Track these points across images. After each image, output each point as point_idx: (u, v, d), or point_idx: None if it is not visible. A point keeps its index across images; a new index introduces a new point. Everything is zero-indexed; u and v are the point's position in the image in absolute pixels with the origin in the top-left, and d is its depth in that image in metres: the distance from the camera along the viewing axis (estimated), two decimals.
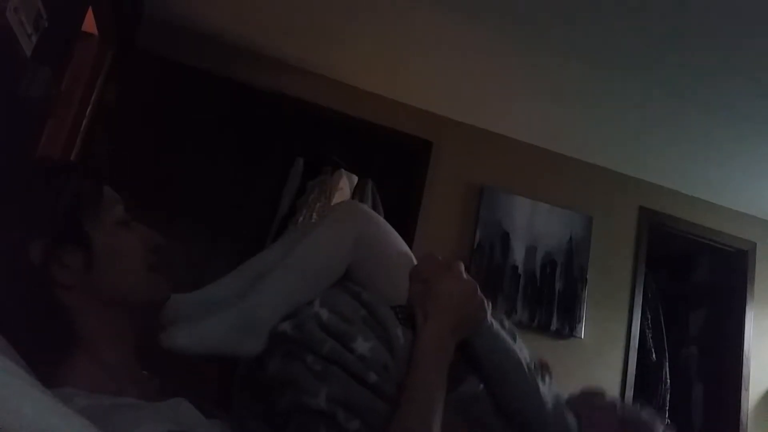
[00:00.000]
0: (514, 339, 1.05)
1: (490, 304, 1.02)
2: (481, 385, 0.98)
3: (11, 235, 0.85)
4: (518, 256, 3.46)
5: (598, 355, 3.51)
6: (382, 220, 1.08)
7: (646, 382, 3.73)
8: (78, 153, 2.62)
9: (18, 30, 1.67)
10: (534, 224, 3.52)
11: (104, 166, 2.84)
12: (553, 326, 3.42)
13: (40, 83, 1.85)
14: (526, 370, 0.99)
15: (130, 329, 0.93)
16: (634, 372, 3.56)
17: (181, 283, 1.19)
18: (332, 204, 3.06)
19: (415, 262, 1.06)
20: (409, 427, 0.86)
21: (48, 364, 0.79)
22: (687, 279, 4.34)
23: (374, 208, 3.23)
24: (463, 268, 1.04)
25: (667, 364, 3.90)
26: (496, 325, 1.02)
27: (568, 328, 3.44)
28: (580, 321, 3.46)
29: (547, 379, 1.05)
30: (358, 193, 3.29)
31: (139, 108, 2.97)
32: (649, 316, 3.87)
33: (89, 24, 2.45)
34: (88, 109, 2.63)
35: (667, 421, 3.79)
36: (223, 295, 0.99)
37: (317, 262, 0.98)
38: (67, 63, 2.23)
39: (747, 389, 3.73)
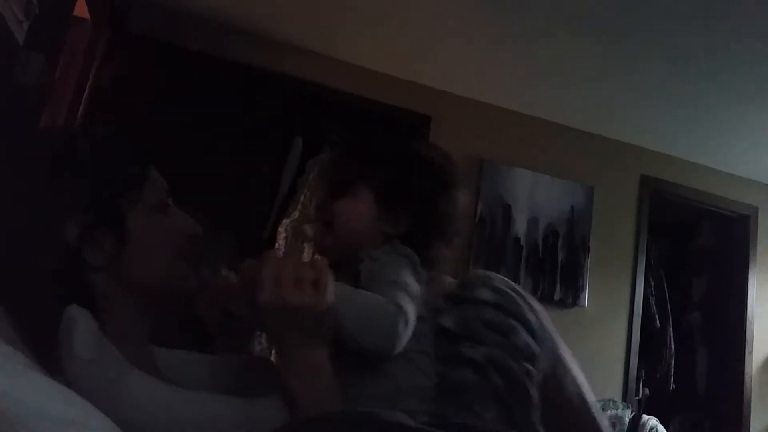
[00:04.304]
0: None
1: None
2: None
3: (48, 209, 0.81)
4: (520, 227, 3.47)
5: (601, 323, 3.52)
6: None
7: (650, 349, 3.76)
8: None
9: (9, 18, 1.66)
10: (535, 196, 3.52)
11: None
12: (557, 296, 3.43)
13: (34, 70, 1.83)
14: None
15: (149, 316, 0.90)
16: (638, 339, 3.58)
17: None
18: None
19: None
20: None
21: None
22: (689, 245, 4.34)
23: None
24: (268, 258, 0.84)
25: (671, 330, 3.92)
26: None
27: (571, 298, 3.46)
28: (583, 290, 3.48)
29: None
30: None
31: (134, 92, 2.95)
32: (652, 283, 3.89)
33: (81, 9, 2.43)
34: (84, 95, 2.62)
35: (673, 386, 3.83)
36: None
37: None
38: (60, 49, 2.21)
39: (750, 353, 3.75)
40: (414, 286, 0.92)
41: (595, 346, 3.46)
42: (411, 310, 0.87)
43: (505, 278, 1.05)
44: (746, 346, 3.75)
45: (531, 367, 0.96)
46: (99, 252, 0.83)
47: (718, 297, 4.04)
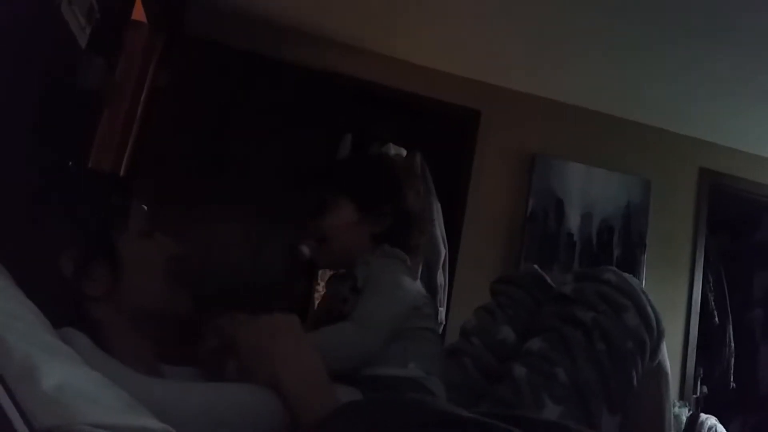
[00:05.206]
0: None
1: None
2: None
3: (43, 245, 0.86)
4: (573, 223, 3.41)
5: None
6: None
7: (709, 347, 3.65)
8: (135, 140, 2.69)
9: (72, 23, 1.72)
10: (589, 190, 3.45)
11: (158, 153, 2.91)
12: None
13: (96, 73, 1.90)
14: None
15: (152, 338, 0.94)
16: (696, 336, 3.48)
17: (237, 266, 1.21)
18: None
19: None
20: None
21: None
22: (751, 240, 4.19)
23: (424, 180, 3.23)
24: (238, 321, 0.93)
25: (731, 327, 3.80)
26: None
27: None
28: None
29: None
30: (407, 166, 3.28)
31: (190, 92, 3.02)
32: (711, 279, 3.77)
33: (138, 13, 2.50)
34: (142, 97, 2.69)
35: (733, 385, 3.71)
36: None
37: None
38: (119, 52, 2.28)
39: None
40: (407, 283, 1.08)
41: None
42: (379, 332, 1.00)
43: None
44: None
45: (637, 351, 1.02)
46: (95, 283, 0.87)
47: None
